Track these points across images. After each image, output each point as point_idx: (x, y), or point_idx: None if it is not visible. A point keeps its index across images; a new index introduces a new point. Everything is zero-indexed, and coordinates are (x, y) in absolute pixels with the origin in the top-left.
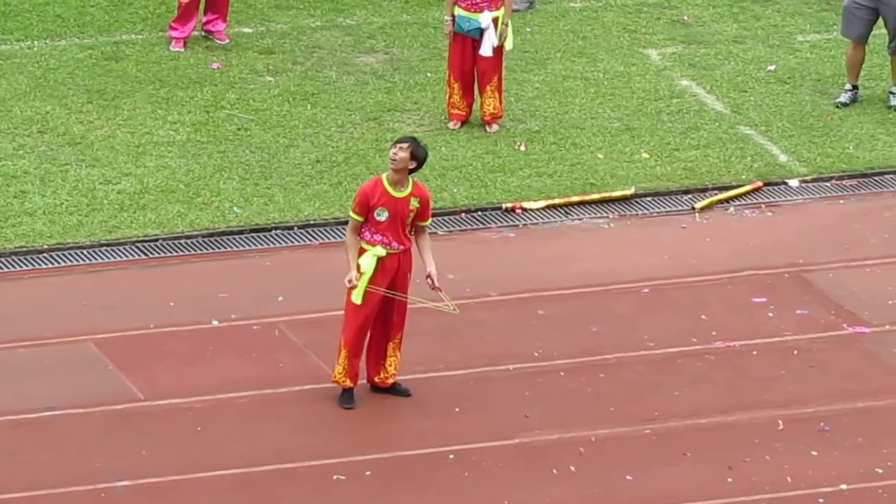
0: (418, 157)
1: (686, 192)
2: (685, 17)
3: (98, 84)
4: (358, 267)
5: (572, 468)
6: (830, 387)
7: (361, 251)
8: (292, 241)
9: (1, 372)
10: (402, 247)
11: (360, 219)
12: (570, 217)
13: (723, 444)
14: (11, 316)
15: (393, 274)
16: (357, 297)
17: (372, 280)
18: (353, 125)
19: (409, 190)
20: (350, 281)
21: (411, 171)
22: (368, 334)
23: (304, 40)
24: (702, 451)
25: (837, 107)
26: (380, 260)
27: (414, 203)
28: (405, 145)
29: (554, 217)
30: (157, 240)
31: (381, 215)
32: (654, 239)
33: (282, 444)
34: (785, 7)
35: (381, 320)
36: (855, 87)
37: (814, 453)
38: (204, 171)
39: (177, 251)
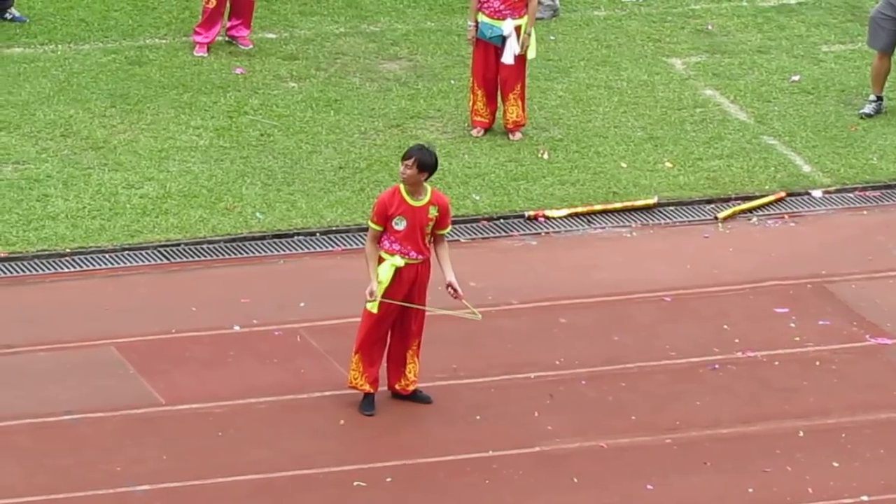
0: (427, 166)
1: (709, 201)
2: (709, 27)
3: (121, 88)
4: (376, 276)
5: (592, 477)
6: (852, 398)
7: (381, 260)
8: (314, 248)
9: (22, 375)
10: (420, 257)
11: (378, 228)
12: (592, 226)
13: (744, 454)
14: (33, 319)
15: (410, 284)
16: (372, 307)
17: (389, 290)
18: (375, 132)
19: (427, 198)
20: (371, 293)
21: (426, 179)
22: (388, 342)
23: (328, 46)
24: (723, 462)
25: (861, 118)
26: (397, 270)
27: (433, 212)
28: (410, 161)
29: (576, 226)
30: (179, 244)
31: (400, 224)
32: (676, 248)
33: (302, 449)
34: (809, 18)
35: (398, 329)
36: (879, 98)
37: (835, 464)
38: (226, 177)
39: (199, 256)
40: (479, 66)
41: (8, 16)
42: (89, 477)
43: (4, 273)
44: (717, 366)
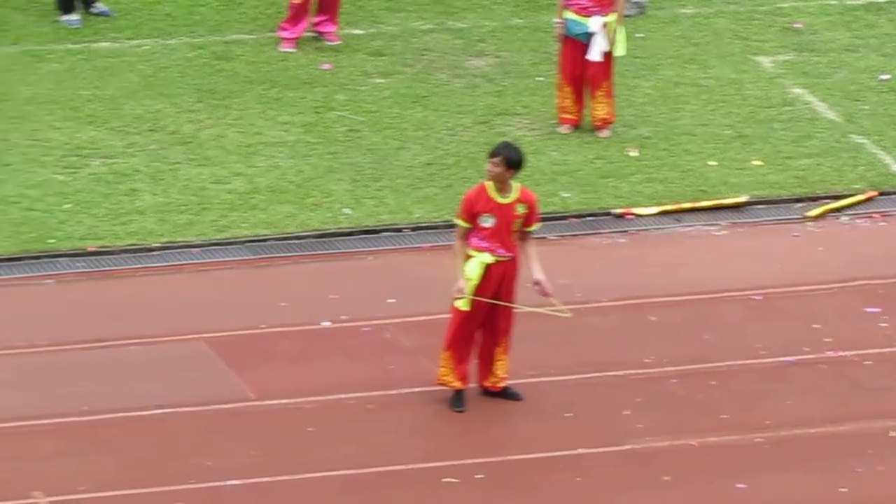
0: (514, 163)
1: (798, 200)
2: (797, 25)
3: (208, 83)
4: (464, 273)
5: (683, 475)
6: None
7: (468, 258)
8: (403, 244)
9: (113, 369)
10: (508, 254)
11: (466, 225)
12: (681, 224)
13: (835, 453)
14: (123, 314)
15: (499, 282)
16: (462, 304)
17: (478, 287)
18: (463, 128)
19: (514, 195)
20: (459, 291)
21: (513, 176)
22: (479, 339)
23: (415, 43)
24: (814, 461)
25: None
26: (486, 267)
27: (520, 209)
28: (497, 160)
29: (665, 223)
30: (267, 240)
31: (487, 222)
32: (765, 247)
33: (392, 445)
34: None
35: (488, 326)
36: None
37: None
38: (314, 172)
39: (287, 251)
40: (567, 63)
41: (94, 10)
42: (180, 471)
43: (94, 267)
44: (793, 360)
